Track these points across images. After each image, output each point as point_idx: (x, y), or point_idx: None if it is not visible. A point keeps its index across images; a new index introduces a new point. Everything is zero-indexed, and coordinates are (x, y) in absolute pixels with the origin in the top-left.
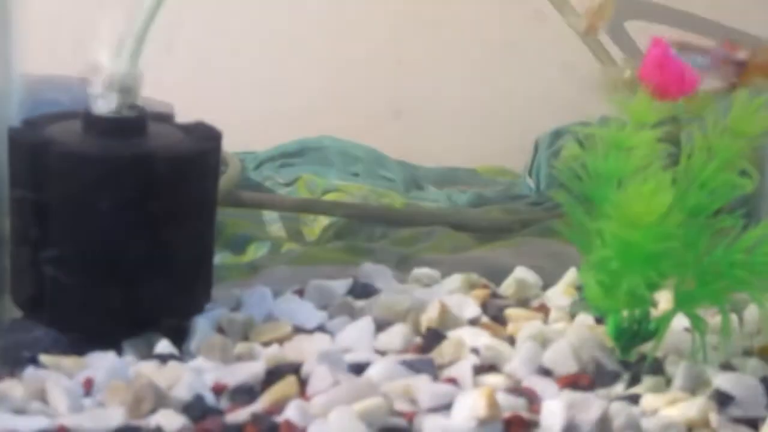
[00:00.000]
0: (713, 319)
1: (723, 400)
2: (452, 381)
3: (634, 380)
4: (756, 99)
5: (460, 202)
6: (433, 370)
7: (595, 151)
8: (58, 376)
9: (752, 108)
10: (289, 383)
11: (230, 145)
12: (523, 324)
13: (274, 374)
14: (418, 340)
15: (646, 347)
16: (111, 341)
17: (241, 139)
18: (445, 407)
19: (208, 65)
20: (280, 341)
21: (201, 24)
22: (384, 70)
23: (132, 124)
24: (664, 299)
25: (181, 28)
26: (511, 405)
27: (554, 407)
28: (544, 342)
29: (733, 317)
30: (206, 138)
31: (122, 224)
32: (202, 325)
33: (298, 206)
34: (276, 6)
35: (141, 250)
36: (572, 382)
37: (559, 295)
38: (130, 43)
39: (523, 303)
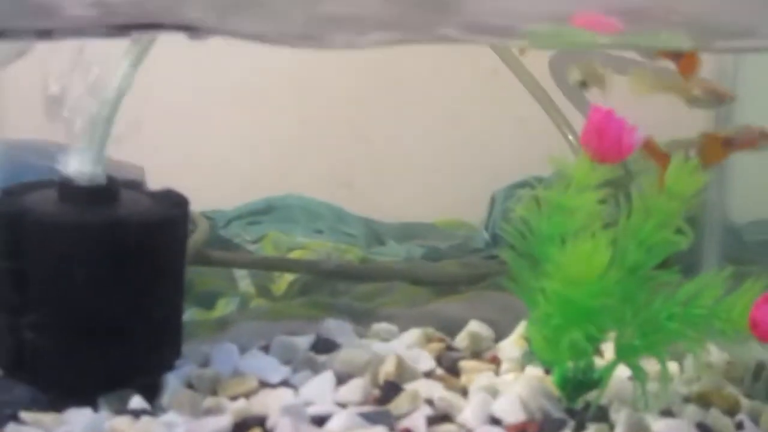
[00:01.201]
0: (654, 367)
1: None
2: (407, 431)
3: (579, 427)
4: (691, 162)
5: (416, 255)
6: (390, 421)
7: (539, 212)
8: None
9: (687, 169)
10: None
11: (199, 204)
12: (476, 375)
13: (240, 427)
14: (377, 392)
15: (592, 396)
16: (87, 398)
17: (210, 198)
18: None
19: (178, 128)
20: (247, 395)
21: (170, 88)
22: (346, 129)
23: (104, 193)
24: (609, 350)
25: (151, 92)
26: None
27: None
28: (495, 392)
29: (674, 365)
30: (174, 204)
31: (96, 288)
32: (172, 381)
33: (263, 264)
34: (242, 67)
35: (114, 313)
36: (521, 430)
37: (510, 347)
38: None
39: (476, 355)
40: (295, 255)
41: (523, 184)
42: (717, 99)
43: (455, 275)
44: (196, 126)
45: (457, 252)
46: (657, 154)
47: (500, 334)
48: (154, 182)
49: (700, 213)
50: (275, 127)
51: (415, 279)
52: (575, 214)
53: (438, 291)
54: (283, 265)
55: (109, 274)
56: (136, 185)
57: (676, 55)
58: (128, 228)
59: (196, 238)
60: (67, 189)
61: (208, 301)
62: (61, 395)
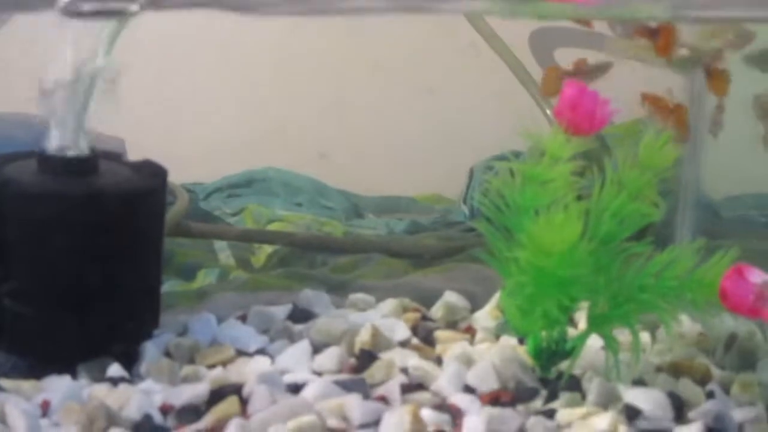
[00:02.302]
0: (627, 338)
1: (632, 413)
2: (382, 399)
3: (552, 396)
4: (664, 134)
5: (397, 229)
6: (365, 389)
7: (513, 184)
8: (17, 399)
9: (660, 142)
10: (231, 403)
11: (179, 177)
12: (451, 345)
13: (217, 395)
14: (352, 361)
15: (565, 365)
16: (66, 366)
17: (191, 171)
18: (375, 423)
19: (159, 102)
20: (224, 364)
21: (151, 62)
22: (326, 104)
23: (84, 164)
24: (583, 320)
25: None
26: (435, 421)
27: (476, 422)
28: (469, 362)
29: (647, 336)
30: (153, 175)
31: (75, 258)
32: (150, 350)
33: (243, 236)
34: (222, 42)
35: (93, 281)
36: (494, 399)
37: (485, 318)
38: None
39: (452, 325)
40: (274, 227)
41: (500, 158)
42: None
43: (433, 248)
44: (176, 99)
45: (435, 225)
46: (663, 108)
47: (476, 306)
48: (135, 155)
49: (675, 188)
50: (255, 100)
51: (393, 252)
52: (549, 185)
53: (415, 264)
54: (262, 237)
55: (88, 244)
56: (116, 156)
57: (653, 33)
58: (107, 198)
59: (176, 210)
60: (47, 160)
61: (187, 273)
62: (40, 363)
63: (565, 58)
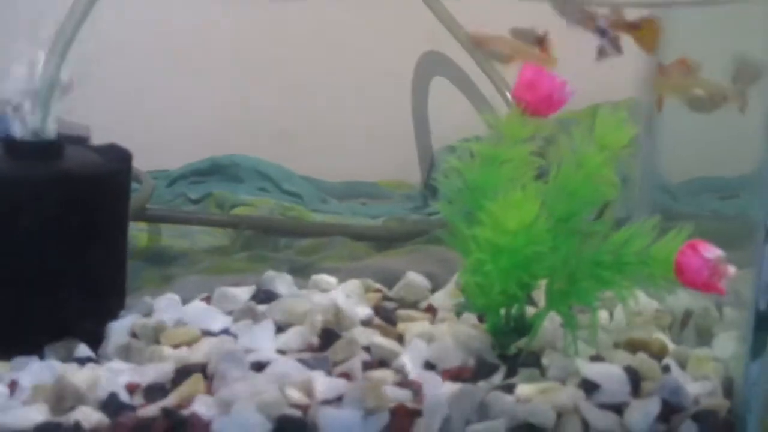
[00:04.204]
0: (586, 315)
1: (590, 388)
2: (345, 376)
3: (511, 372)
4: (619, 114)
5: (360, 214)
6: (328, 367)
7: (473, 165)
8: None
9: (616, 122)
10: (196, 381)
11: (145, 164)
12: (412, 324)
13: (182, 373)
14: (315, 340)
15: (524, 342)
16: (34, 347)
17: (156, 158)
18: (337, 399)
19: (123, 90)
20: (189, 344)
21: (115, 51)
22: (288, 90)
23: (50, 148)
24: (542, 298)
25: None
26: (397, 396)
27: (437, 397)
28: (430, 339)
29: (605, 313)
30: (118, 159)
31: (42, 240)
32: (116, 331)
33: (207, 220)
34: (183, 30)
35: (59, 264)
36: (455, 375)
37: (445, 297)
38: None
39: (413, 305)
40: (238, 212)
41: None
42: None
43: (395, 231)
44: (140, 87)
45: (398, 209)
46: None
47: (437, 286)
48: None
49: (633, 171)
50: (219, 87)
51: (355, 235)
52: (507, 165)
53: (378, 246)
54: (226, 221)
55: (54, 227)
56: (81, 140)
57: (631, 26)
58: (72, 181)
59: (141, 195)
60: (13, 145)
61: (153, 257)
62: (7, 344)
63: None
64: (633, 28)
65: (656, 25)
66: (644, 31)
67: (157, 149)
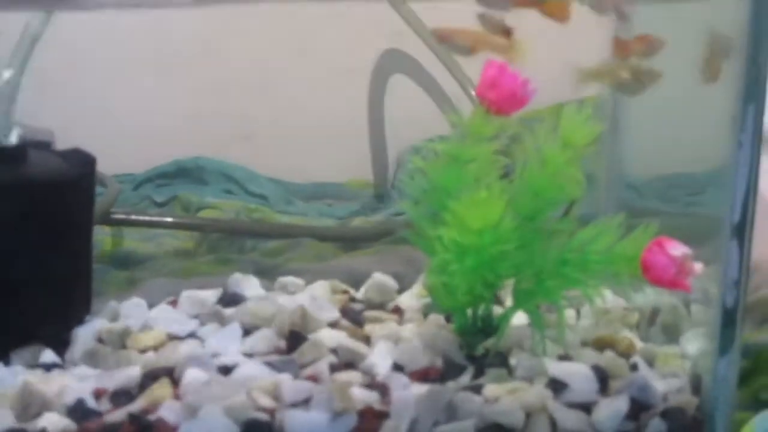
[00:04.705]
0: (553, 314)
1: (558, 387)
2: (312, 378)
3: (479, 372)
4: (584, 111)
5: (327, 215)
6: (295, 369)
7: (437, 165)
8: None
9: (581, 119)
10: (163, 385)
11: (109, 168)
12: (379, 325)
13: (149, 378)
14: (282, 342)
15: (491, 342)
16: None
17: (120, 162)
18: (305, 402)
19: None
20: (155, 348)
21: (76, 55)
22: (253, 92)
23: (13, 153)
24: (509, 298)
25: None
26: (364, 398)
27: (405, 398)
28: (397, 340)
29: (572, 312)
30: (82, 163)
31: (5, 245)
32: (82, 336)
33: (173, 224)
34: (144, 31)
35: (23, 269)
36: (422, 376)
37: (412, 298)
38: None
39: (380, 306)
40: (204, 215)
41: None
42: None
43: (361, 231)
44: (101, 91)
45: (364, 210)
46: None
47: (404, 286)
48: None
49: (599, 169)
50: (181, 88)
51: (322, 236)
52: (471, 164)
53: (345, 247)
54: (191, 224)
55: (17, 232)
56: (45, 145)
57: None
58: (36, 186)
59: (106, 199)
60: None
61: (118, 260)
62: None
63: None
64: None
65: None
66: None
67: (121, 153)
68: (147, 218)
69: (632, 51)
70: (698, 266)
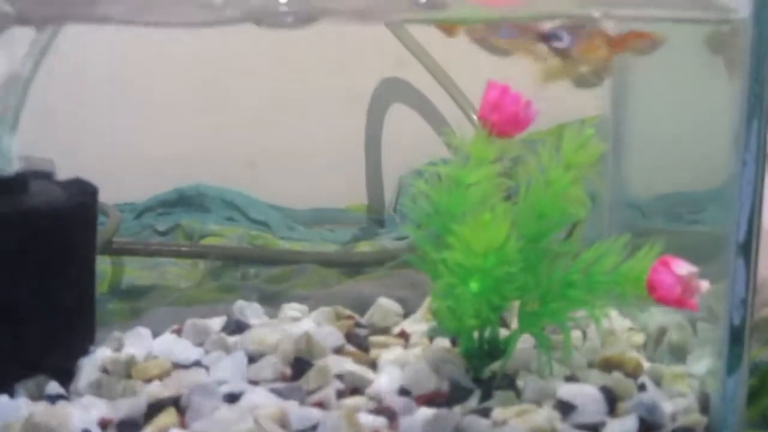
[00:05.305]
0: (559, 336)
1: (566, 409)
2: (319, 405)
3: (486, 395)
4: (586, 131)
5: (329, 240)
6: (302, 396)
7: (440, 188)
8: None
9: (582, 140)
10: (169, 414)
11: (110, 197)
12: (384, 350)
13: (155, 407)
14: (288, 369)
15: (498, 365)
16: (3, 385)
17: (121, 191)
18: (312, 429)
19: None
20: (161, 377)
21: (77, 83)
22: (252, 118)
23: (14, 183)
24: (514, 320)
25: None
26: (372, 424)
27: (412, 423)
28: (403, 365)
29: (578, 333)
30: (83, 193)
31: (8, 277)
32: (87, 367)
33: (175, 252)
34: (144, 59)
35: (27, 301)
36: (429, 400)
37: (418, 322)
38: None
39: (385, 331)
40: (207, 242)
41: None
42: None
43: (364, 256)
44: (102, 118)
45: (367, 234)
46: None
47: (409, 310)
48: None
49: (602, 190)
50: (181, 115)
51: (325, 261)
52: (474, 187)
53: (348, 272)
54: (194, 252)
55: (20, 262)
56: (46, 175)
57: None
58: (38, 216)
59: (107, 229)
60: None
61: (120, 290)
62: None
63: None
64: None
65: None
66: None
67: (122, 181)
68: (150, 247)
69: (627, 47)
70: (704, 284)
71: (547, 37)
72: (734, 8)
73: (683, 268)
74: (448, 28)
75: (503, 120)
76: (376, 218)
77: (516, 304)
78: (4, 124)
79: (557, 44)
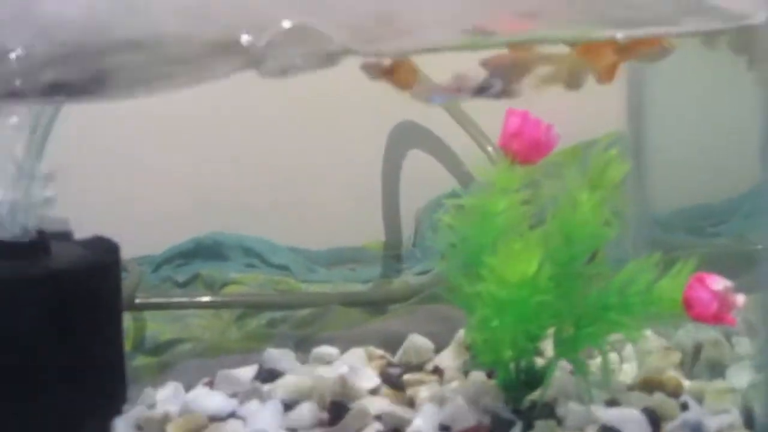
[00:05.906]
0: (596, 360)
1: None
2: None
3: (528, 426)
4: (610, 151)
5: (351, 279)
6: None
7: (465, 219)
8: None
9: (607, 159)
10: None
11: (125, 251)
12: (421, 387)
13: None
14: (325, 414)
15: (537, 394)
16: None
17: (138, 244)
18: None
19: (94, 179)
20: None
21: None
22: (265, 162)
23: (36, 245)
24: (549, 347)
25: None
26: None
27: None
28: (441, 401)
29: (615, 356)
30: (105, 251)
31: (37, 341)
32: (122, 427)
33: (198, 303)
34: (152, 113)
35: (57, 363)
36: None
37: (451, 357)
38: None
39: (419, 368)
40: (228, 291)
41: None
42: None
43: (389, 293)
44: (113, 173)
45: (388, 271)
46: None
47: (440, 345)
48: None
49: (625, 207)
50: (192, 165)
51: (351, 301)
52: (501, 216)
53: (375, 310)
54: (217, 302)
55: (50, 326)
56: (65, 236)
57: (386, 72)
58: (65, 278)
59: (129, 284)
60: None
61: (145, 346)
62: None
63: None
64: (388, 72)
65: (411, 65)
66: (400, 73)
67: (137, 235)
68: (174, 301)
69: (636, 54)
70: (740, 298)
71: (480, 90)
72: (750, 14)
73: (719, 283)
74: (404, 82)
75: (525, 146)
76: (394, 254)
77: (551, 330)
78: (39, 182)
79: (491, 92)
